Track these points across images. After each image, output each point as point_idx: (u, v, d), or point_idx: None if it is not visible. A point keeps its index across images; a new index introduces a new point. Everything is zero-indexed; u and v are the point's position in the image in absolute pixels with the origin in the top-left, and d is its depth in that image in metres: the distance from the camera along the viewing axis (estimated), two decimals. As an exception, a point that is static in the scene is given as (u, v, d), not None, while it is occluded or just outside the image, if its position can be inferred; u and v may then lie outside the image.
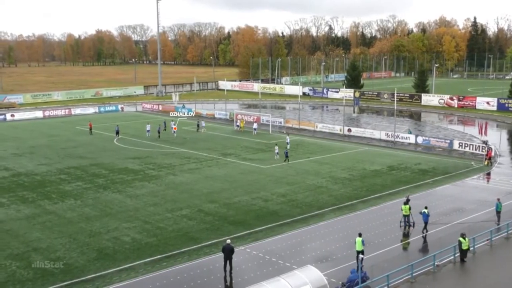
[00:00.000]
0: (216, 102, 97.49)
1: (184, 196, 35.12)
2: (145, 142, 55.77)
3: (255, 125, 58.22)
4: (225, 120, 72.57)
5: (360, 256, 23.59)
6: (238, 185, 38.03)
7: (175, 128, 58.18)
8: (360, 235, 24.83)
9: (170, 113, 67.69)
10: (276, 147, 47.76)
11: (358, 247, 24.36)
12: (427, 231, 28.53)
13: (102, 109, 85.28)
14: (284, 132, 62.11)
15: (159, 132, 57.95)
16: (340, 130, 61.06)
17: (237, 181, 39.07)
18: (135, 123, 71.70)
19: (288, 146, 51.87)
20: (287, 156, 45.66)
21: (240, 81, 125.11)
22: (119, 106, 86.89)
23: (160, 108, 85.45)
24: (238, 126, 63.38)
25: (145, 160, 46.84)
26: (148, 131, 60.13)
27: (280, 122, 67.03)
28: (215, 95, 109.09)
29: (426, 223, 28.72)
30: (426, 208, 29.09)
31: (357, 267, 22.62)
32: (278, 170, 42.62)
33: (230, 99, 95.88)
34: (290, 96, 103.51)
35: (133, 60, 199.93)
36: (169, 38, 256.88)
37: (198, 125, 60.36)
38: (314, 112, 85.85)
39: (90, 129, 61.97)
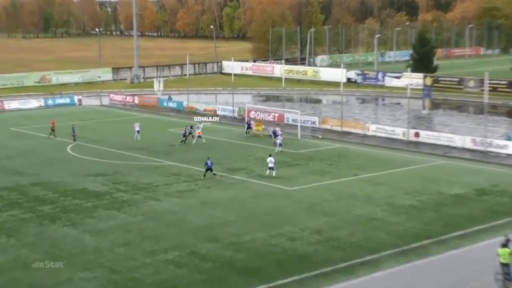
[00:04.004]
0: (219, 92, 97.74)
1: (171, 232, 34.96)
2: (113, 151, 55.92)
3: (279, 139, 55.68)
4: (232, 119, 72.64)
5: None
6: (251, 215, 37.82)
7: (199, 133, 59.07)
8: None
9: (195, 118, 67.69)
10: (270, 159, 46.78)
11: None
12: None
13: (50, 102, 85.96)
14: (320, 137, 61.80)
15: (184, 137, 58.86)
16: (404, 135, 60.65)
17: (249, 210, 38.87)
18: (99, 123, 71.92)
19: (279, 141, 52.49)
20: (271, 169, 46.07)
21: (255, 61, 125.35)
22: (76, 98, 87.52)
23: (136, 101, 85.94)
24: (251, 129, 63.11)
25: (113, 177, 46.80)
26: (137, 132, 60.83)
27: (314, 123, 66.80)
28: (217, 81, 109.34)
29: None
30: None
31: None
32: (310, 194, 42.35)
33: (239, 87, 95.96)
34: (328, 83, 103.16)
35: (97, 30, 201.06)
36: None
37: (187, 133, 59.42)
38: (364, 107, 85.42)
39: (52, 130, 62.32)
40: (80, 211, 38.70)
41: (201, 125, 61.53)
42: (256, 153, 54.76)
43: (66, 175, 47.40)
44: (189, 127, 59.91)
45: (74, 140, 59.45)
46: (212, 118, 71.28)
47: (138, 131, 61.21)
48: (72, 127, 60.53)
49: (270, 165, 46.70)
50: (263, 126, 64.25)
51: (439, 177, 46.77)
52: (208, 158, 46.74)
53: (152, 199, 41.22)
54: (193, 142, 58.80)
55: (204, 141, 58.70)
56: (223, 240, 33.60)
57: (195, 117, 70.28)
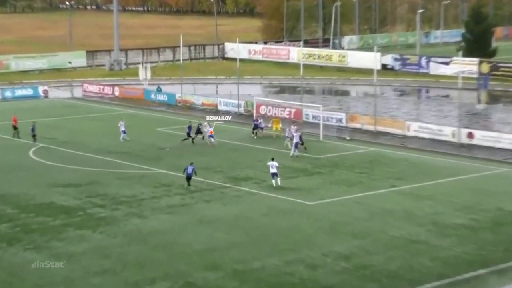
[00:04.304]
0: (220, 82, 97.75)
1: (160, 257, 34.92)
2: (88, 155, 56.14)
3: (295, 137, 55.64)
4: (237, 116, 72.99)
5: None
6: (261, 236, 37.84)
7: (211, 132, 59.91)
8: None
9: (207, 117, 67.77)
10: (272, 164, 47.01)
11: None
12: None
13: (7, 93, 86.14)
14: (348, 138, 61.74)
15: (189, 136, 59.96)
16: (453, 135, 60.69)
17: (258, 229, 38.90)
18: (70, 121, 72.01)
19: (296, 139, 53.05)
20: (274, 175, 46.38)
21: (266, 43, 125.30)
22: (40, 89, 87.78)
23: (117, 93, 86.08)
24: (261, 128, 62.68)
25: (87, 189, 46.88)
26: (123, 132, 61.28)
27: (340, 120, 66.86)
28: (218, 69, 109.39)
29: None
30: None
31: None
32: (336, 210, 42.34)
33: (246, 76, 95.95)
34: (358, 71, 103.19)
35: (67, 4, 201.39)
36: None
37: (198, 130, 60.46)
38: (403, 101, 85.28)
39: (15, 128, 62.42)
40: (46, 231, 38.56)
41: (214, 124, 61.76)
42: (267, 158, 54.63)
43: (28, 186, 47.35)
44: (200, 124, 60.45)
45: (35, 141, 59.56)
46: (225, 117, 70.60)
47: (123, 131, 61.23)
48: (32, 125, 60.63)
49: (272, 170, 46.69)
50: (280, 125, 63.78)
51: (498, 190, 46.59)
52: (192, 164, 46.95)
53: (136, 216, 41.11)
54: (206, 141, 59.30)
55: (216, 144, 59.10)
56: (225, 268, 33.46)
57: (207, 116, 69.55)
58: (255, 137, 62.64)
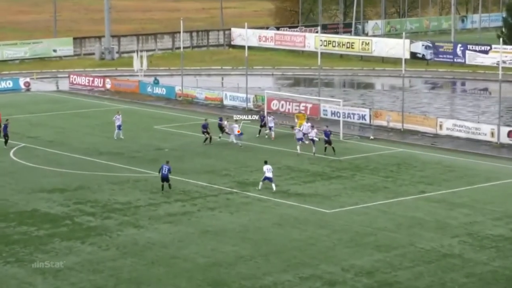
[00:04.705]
0: (226, 73, 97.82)
1: (158, 273, 35.08)
2: (76, 157, 56.40)
3: (312, 134, 56.87)
4: (245, 112, 73.12)
5: None
6: (273, 249, 37.93)
7: (238, 131, 60.07)
8: None
9: (235, 116, 67.48)
10: (268, 167, 47.45)
11: None
12: None
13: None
14: (371, 137, 61.82)
15: (208, 134, 59.98)
16: (492, 134, 60.95)
17: (270, 241, 39.01)
18: (55, 117, 72.22)
19: (313, 135, 53.41)
20: (267, 180, 46.87)
21: (278, 28, 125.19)
22: (21, 81, 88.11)
23: (109, 86, 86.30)
24: (270, 128, 62.34)
25: (75, 194, 47.08)
26: (118, 127, 61.61)
27: (363, 117, 67.02)
28: (224, 58, 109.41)
29: None
30: None
31: None
32: (357, 219, 42.47)
33: (256, 66, 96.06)
34: (383, 61, 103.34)
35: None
36: None
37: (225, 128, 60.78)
38: (435, 95, 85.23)
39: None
40: (29, 242, 38.70)
41: (239, 124, 61.94)
42: (279, 160, 54.84)
43: (8, 191, 47.59)
44: (221, 120, 60.85)
45: (6, 143, 58.73)
46: (252, 117, 69.59)
47: (119, 126, 61.50)
48: (5, 124, 59.74)
49: (268, 174, 47.14)
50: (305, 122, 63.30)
51: (545, 196, 46.68)
52: (167, 162, 47.52)
53: (131, 225, 41.28)
54: (233, 141, 59.69)
55: (240, 144, 59.20)
56: (232, 285, 33.58)
57: (235, 116, 68.77)
58: (265, 136, 62.60)
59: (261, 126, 63.34)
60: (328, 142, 56.27)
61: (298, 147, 56.69)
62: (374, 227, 41.17)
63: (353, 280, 34.16)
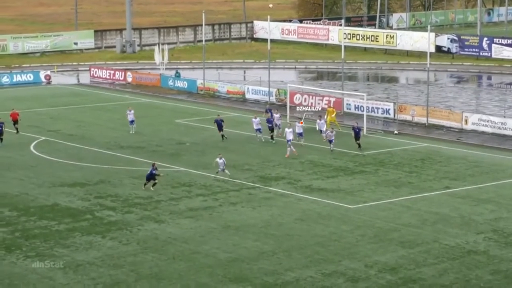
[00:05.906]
0: (248, 66, 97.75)
1: (179, 268, 35.09)
2: (97, 151, 56.43)
3: (325, 132, 56.91)
4: (268, 106, 72.45)
5: None
6: (295, 244, 37.90)
7: (301, 123, 59.11)
8: None
9: (298, 107, 66.32)
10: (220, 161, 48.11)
11: None
12: None
13: (5, 79, 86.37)
14: (396, 132, 61.59)
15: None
16: (519, 130, 60.51)
17: (292, 237, 38.94)
18: (76, 111, 72.38)
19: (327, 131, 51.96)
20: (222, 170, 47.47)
21: (301, 21, 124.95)
22: (42, 74, 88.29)
23: (130, 79, 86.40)
24: (277, 126, 60.90)
25: (96, 189, 47.16)
26: (131, 122, 61.72)
27: (387, 111, 66.74)
28: (246, 51, 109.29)
29: None
30: None
31: None
32: (381, 215, 42.33)
33: (278, 60, 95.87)
34: (408, 54, 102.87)
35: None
36: None
37: (274, 125, 59.56)
38: (460, 89, 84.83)
39: (15, 122, 61.09)
40: (49, 236, 38.81)
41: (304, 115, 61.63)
42: (302, 155, 54.68)
43: (29, 186, 47.69)
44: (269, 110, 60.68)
45: (1, 140, 57.62)
46: (315, 108, 67.66)
47: (132, 121, 61.73)
48: (0, 124, 57.89)
49: (257, 127, 50.11)
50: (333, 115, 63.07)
51: None
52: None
53: (152, 220, 41.29)
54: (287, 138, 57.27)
55: (303, 143, 57.60)
56: (254, 281, 33.56)
57: (297, 107, 67.62)
58: (271, 139, 59.80)
59: (271, 130, 59.49)
60: (357, 138, 55.96)
61: (300, 143, 56.75)
62: (398, 223, 41.05)
63: (376, 276, 34.09)
